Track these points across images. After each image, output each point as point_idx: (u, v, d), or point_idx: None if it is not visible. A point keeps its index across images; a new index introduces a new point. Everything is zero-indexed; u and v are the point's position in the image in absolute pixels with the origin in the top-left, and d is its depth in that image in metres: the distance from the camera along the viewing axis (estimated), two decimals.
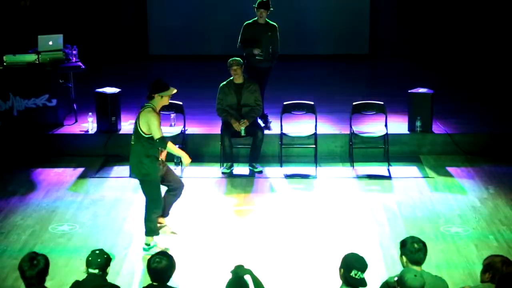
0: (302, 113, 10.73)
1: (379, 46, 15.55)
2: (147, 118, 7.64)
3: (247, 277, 5.45)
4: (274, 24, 10.85)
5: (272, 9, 10.80)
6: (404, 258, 5.46)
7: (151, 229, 7.96)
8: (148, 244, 7.94)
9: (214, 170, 10.28)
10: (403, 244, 5.50)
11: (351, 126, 10.55)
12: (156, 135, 7.65)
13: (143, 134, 7.68)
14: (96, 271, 5.43)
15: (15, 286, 7.15)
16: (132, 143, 7.82)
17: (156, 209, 7.97)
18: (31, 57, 11.08)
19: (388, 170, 10.28)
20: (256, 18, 10.81)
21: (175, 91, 7.85)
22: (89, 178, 10.10)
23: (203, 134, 10.88)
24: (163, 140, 7.73)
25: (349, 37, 15.48)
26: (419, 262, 5.42)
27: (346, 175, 10.18)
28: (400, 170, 10.29)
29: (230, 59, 10.11)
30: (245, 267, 5.48)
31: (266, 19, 10.77)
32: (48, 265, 5.20)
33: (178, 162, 10.34)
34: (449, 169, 10.31)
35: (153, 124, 7.62)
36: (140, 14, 15.60)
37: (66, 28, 13.03)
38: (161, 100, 7.79)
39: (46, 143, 10.90)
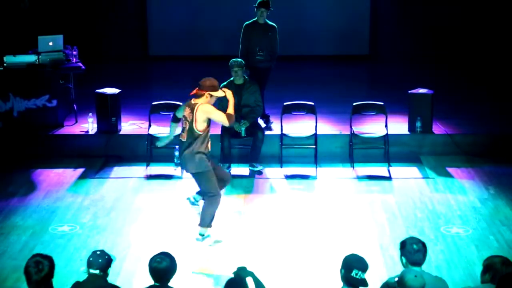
0: (302, 114, 10.73)
1: (379, 47, 15.54)
2: (207, 113, 7.95)
3: (249, 279, 5.45)
4: (274, 24, 10.86)
5: (272, 8, 10.81)
6: (404, 259, 5.46)
7: (206, 221, 8.19)
8: (202, 235, 8.19)
9: None
10: (403, 245, 5.51)
11: (351, 127, 10.55)
12: (226, 122, 8.02)
13: (198, 132, 7.94)
14: (97, 271, 5.43)
15: (15, 287, 7.15)
16: (183, 140, 8.06)
17: (215, 202, 8.16)
18: (31, 58, 11.08)
19: (388, 170, 10.27)
20: (255, 19, 10.82)
21: (223, 94, 8.16)
22: (89, 178, 10.10)
23: None
24: (232, 117, 8.07)
25: (349, 37, 15.46)
26: (418, 263, 5.43)
27: (346, 176, 10.18)
28: (400, 171, 10.29)
29: (231, 60, 10.10)
30: (248, 269, 5.48)
31: (266, 19, 10.79)
32: (53, 268, 5.19)
33: (178, 162, 10.34)
34: (449, 169, 10.31)
35: (215, 113, 7.96)
36: (140, 15, 15.59)
37: (66, 28, 13.03)
38: (210, 99, 8.05)
39: (46, 143, 10.90)
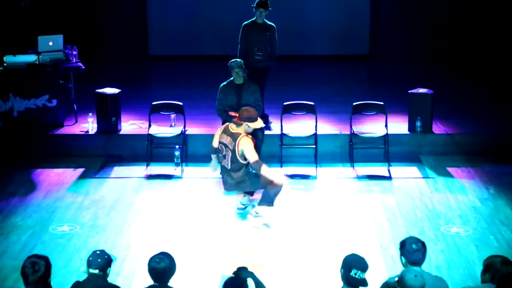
0: (302, 114, 10.73)
1: (379, 47, 15.53)
2: (244, 146, 8.27)
3: (249, 280, 5.45)
4: (272, 24, 10.86)
5: (270, 8, 10.80)
6: (404, 259, 5.46)
7: (265, 201, 8.59)
8: (257, 213, 8.74)
9: None
10: (402, 244, 5.51)
11: (351, 127, 10.55)
12: (252, 159, 8.26)
13: (242, 162, 8.37)
14: (96, 271, 5.43)
15: (15, 287, 7.15)
16: (227, 167, 8.42)
17: (277, 185, 8.46)
18: (31, 58, 11.08)
19: (388, 170, 10.27)
20: (254, 19, 10.82)
21: (263, 125, 8.57)
22: (89, 178, 10.10)
23: (203, 134, 10.87)
24: (258, 163, 8.28)
25: (349, 37, 15.46)
26: (418, 263, 5.42)
27: (346, 176, 10.18)
28: (400, 171, 10.29)
29: (231, 61, 10.08)
30: (248, 269, 5.48)
31: (264, 19, 10.79)
32: (49, 268, 5.20)
33: (178, 162, 10.35)
34: (449, 169, 10.31)
35: (249, 150, 8.27)
36: (140, 15, 15.59)
37: (66, 28, 13.03)
38: (248, 128, 8.39)
39: (46, 143, 10.89)
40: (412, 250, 5.42)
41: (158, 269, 5.28)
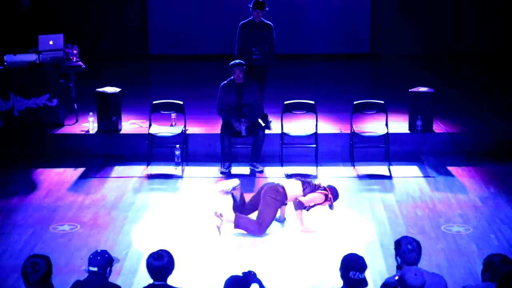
0: (303, 113, 10.72)
1: (380, 45, 15.53)
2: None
3: (255, 286, 5.45)
4: (270, 23, 10.86)
5: (267, 8, 10.80)
6: (399, 259, 5.44)
7: None
8: None
9: (214, 170, 10.27)
10: (397, 245, 5.49)
11: (351, 126, 10.54)
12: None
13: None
14: (96, 269, 5.43)
15: (16, 286, 7.16)
16: None
17: None
18: (31, 57, 11.08)
19: (389, 169, 10.27)
20: (251, 18, 10.83)
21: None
22: (89, 178, 10.10)
23: (203, 134, 10.88)
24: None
25: (349, 36, 15.46)
26: (413, 263, 5.41)
27: (346, 175, 10.18)
28: (400, 170, 10.28)
29: (232, 63, 10.09)
30: (257, 275, 5.48)
31: (262, 18, 10.79)
32: (50, 268, 5.20)
33: (179, 162, 10.35)
34: (450, 168, 10.31)
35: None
36: (140, 13, 15.59)
37: (66, 27, 13.03)
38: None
39: (47, 143, 10.89)
40: (408, 251, 5.41)
41: (155, 265, 5.29)
